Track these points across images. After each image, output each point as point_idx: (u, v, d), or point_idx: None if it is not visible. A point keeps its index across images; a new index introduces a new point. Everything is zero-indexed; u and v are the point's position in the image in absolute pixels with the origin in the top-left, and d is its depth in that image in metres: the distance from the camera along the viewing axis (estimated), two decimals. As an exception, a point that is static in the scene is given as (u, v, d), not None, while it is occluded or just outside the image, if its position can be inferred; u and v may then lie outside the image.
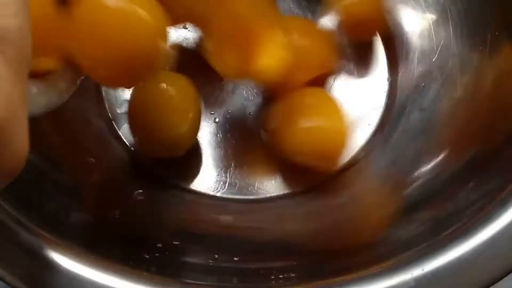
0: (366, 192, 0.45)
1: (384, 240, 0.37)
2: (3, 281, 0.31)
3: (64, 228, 0.36)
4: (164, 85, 0.42)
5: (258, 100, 0.48)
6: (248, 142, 0.48)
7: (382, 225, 0.40)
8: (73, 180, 0.42)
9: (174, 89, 0.42)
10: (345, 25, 0.48)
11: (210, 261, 0.37)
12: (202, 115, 0.44)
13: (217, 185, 0.46)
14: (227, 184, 0.46)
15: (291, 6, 0.52)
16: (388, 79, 0.49)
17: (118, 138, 0.47)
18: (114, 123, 0.48)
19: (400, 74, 0.49)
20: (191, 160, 0.47)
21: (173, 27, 0.48)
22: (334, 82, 0.48)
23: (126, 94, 0.48)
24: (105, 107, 0.48)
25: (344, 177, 0.45)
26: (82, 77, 0.34)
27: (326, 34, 0.48)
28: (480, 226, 0.33)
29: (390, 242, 0.37)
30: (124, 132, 0.47)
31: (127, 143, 0.47)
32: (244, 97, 0.48)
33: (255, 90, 0.49)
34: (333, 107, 0.43)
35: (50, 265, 0.32)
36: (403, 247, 0.34)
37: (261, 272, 0.36)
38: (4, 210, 0.33)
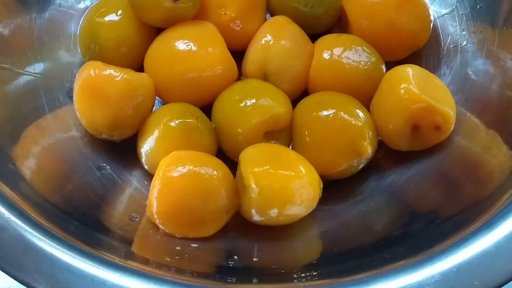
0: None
1: (409, 236, 0.37)
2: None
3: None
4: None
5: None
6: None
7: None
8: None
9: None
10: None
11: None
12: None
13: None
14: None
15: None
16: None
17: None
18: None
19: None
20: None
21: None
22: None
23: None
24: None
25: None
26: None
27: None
28: (502, 221, 0.33)
29: (415, 237, 0.37)
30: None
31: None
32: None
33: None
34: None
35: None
36: (429, 242, 0.34)
37: (282, 271, 0.36)
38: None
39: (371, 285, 0.32)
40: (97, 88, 0.42)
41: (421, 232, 0.38)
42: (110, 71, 0.41)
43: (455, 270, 0.32)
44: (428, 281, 0.32)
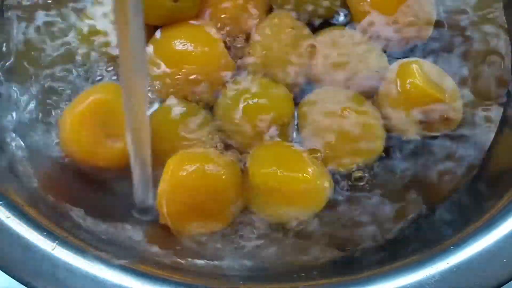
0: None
1: (409, 236, 0.38)
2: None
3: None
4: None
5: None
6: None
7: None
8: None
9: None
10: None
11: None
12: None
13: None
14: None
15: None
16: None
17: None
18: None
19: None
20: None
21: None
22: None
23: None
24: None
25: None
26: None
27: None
28: (502, 221, 0.33)
29: (415, 237, 0.37)
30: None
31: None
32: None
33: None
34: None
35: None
36: (428, 242, 0.34)
37: (283, 271, 0.36)
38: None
39: (371, 285, 0.32)
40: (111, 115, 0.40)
41: (421, 232, 0.38)
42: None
43: (455, 270, 0.32)
44: (428, 281, 0.32)
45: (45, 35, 0.45)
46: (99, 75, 0.44)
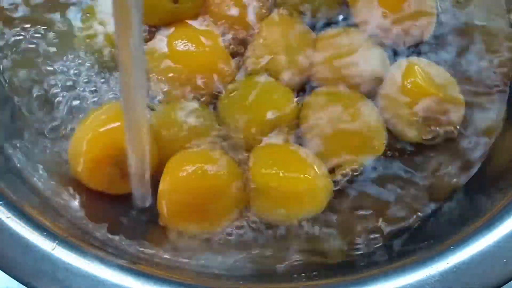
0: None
1: (409, 235, 0.38)
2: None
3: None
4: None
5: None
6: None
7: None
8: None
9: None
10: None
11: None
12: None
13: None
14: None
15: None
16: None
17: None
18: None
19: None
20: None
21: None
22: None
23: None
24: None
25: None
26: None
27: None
28: (502, 221, 0.34)
29: (415, 237, 0.37)
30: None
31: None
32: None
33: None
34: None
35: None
36: (428, 242, 0.34)
37: (283, 271, 0.36)
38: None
39: (371, 285, 0.32)
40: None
41: (421, 232, 0.38)
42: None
43: (455, 270, 0.32)
44: (428, 281, 0.32)
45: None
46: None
